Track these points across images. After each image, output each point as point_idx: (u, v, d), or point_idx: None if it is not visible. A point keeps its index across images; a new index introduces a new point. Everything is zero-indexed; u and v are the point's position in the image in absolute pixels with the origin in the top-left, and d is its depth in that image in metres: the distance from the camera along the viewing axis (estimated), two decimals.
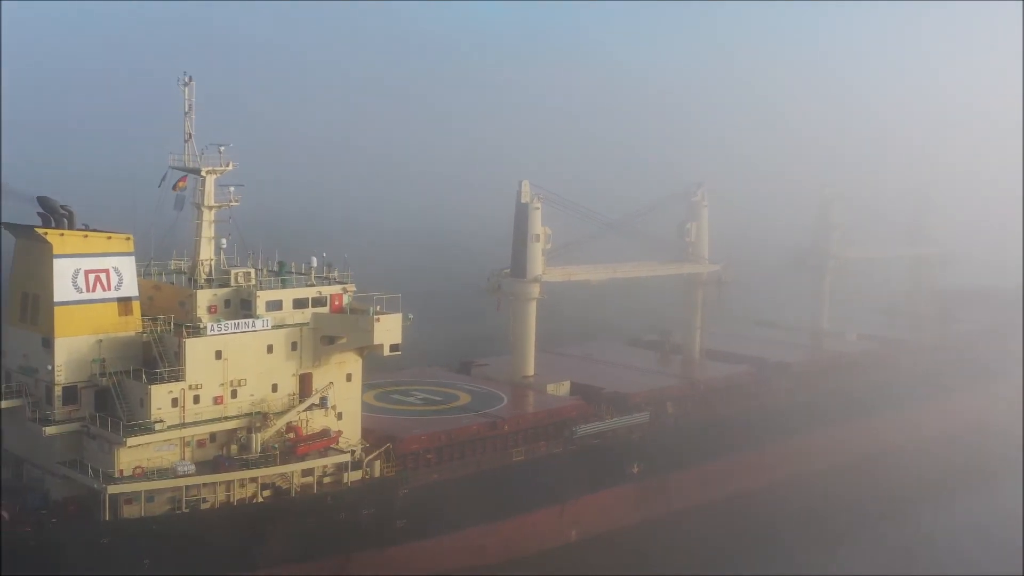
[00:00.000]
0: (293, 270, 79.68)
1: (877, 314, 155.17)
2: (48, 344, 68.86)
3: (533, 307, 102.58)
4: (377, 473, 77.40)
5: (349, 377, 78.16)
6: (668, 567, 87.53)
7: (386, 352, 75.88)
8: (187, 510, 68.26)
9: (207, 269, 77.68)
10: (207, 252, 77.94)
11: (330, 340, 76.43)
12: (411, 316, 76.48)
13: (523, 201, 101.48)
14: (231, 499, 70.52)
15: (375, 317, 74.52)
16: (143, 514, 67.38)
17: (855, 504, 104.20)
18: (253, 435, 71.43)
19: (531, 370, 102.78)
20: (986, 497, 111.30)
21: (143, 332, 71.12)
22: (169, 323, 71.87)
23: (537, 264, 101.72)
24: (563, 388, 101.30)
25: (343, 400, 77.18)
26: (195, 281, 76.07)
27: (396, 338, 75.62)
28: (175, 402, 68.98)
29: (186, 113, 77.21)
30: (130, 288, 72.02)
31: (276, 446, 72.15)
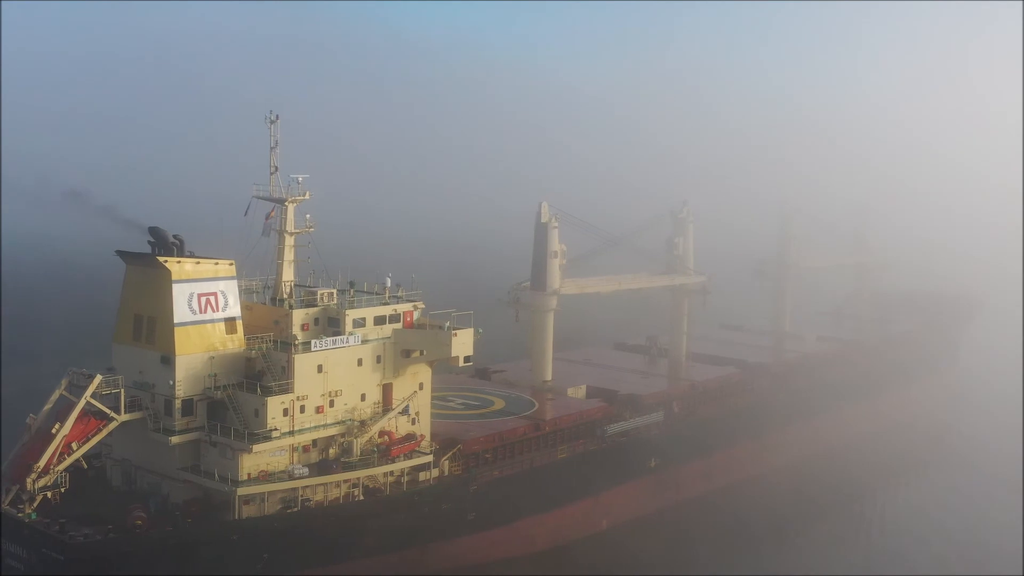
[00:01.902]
0: (364, 289, 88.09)
1: (824, 317, 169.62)
2: (168, 361, 75.80)
3: (551, 317, 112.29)
4: (446, 472, 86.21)
5: (421, 386, 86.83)
6: (683, 551, 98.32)
7: (460, 363, 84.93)
8: (297, 509, 76.03)
9: (288, 290, 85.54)
10: (288, 274, 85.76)
11: (407, 353, 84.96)
12: (480, 331, 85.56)
13: (542, 221, 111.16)
14: (327, 498, 78.51)
15: (453, 332, 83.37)
16: (258, 514, 74.96)
17: (841, 482, 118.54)
18: (354, 440, 79.62)
19: (549, 375, 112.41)
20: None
21: (251, 349, 78.59)
22: (269, 340, 79.51)
23: (555, 278, 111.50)
24: (580, 391, 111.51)
25: (418, 407, 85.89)
26: (285, 301, 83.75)
27: (469, 351, 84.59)
28: (286, 412, 76.71)
29: (272, 148, 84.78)
30: (234, 309, 79.40)
31: (375, 449, 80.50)
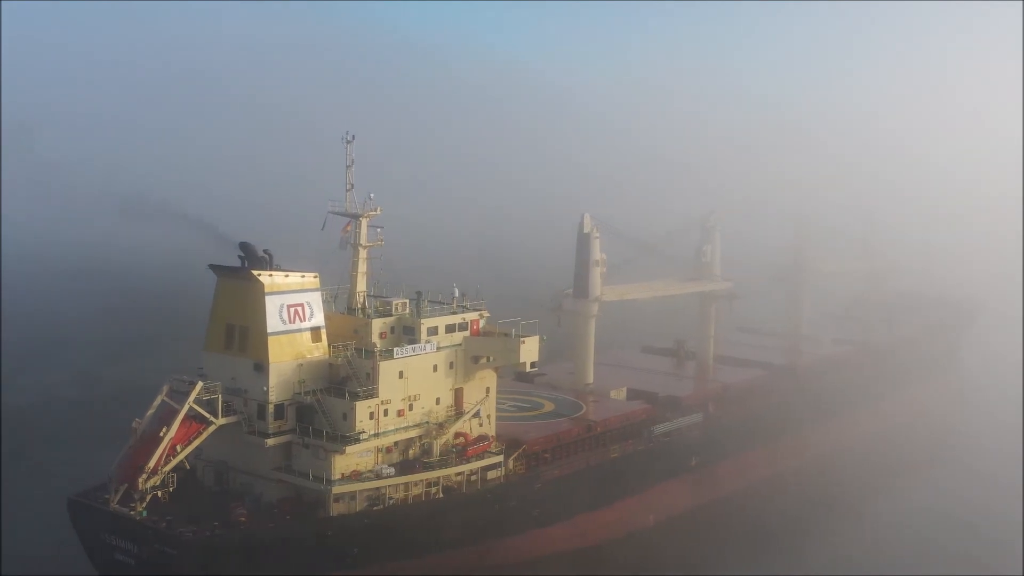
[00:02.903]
0: (428, 299, 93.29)
1: (832, 320, 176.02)
2: (261, 368, 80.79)
3: (593, 323, 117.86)
4: (510, 471, 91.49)
5: (488, 390, 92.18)
6: (723, 547, 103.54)
7: (527, 368, 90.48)
8: (382, 507, 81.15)
9: (361, 300, 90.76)
10: (361, 285, 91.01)
11: (476, 359, 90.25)
12: (545, 338, 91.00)
13: (585, 231, 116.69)
14: (408, 496, 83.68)
15: (521, 339, 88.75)
16: (347, 511, 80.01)
17: (873, 473, 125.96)
18: (433, 441, 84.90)
19: (591, 378, 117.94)
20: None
21: (336, 356, 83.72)
22: (351, 348, 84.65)
23: (597, 286, 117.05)
24: (622, 394, 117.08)
25: (488, 410, 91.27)
26: (359, 311, 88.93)
27: (535, 356, 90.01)
28: (371, 415, 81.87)
29: (348, 167, 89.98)
30: (319, 319, 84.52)
31: (453, 450, 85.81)
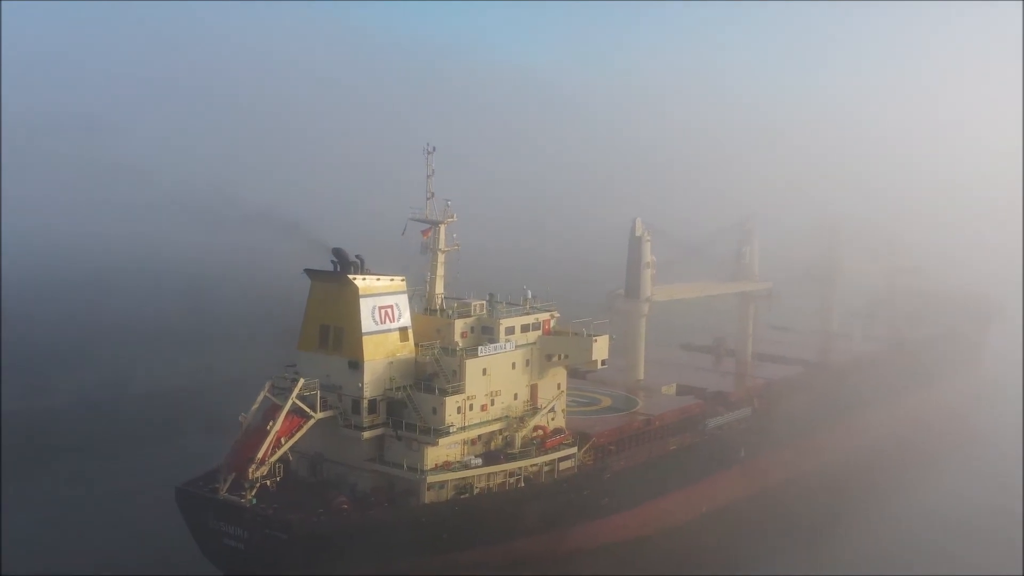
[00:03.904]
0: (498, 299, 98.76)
1: (857, 318, 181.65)
2: (356, 366, 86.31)
3: (643, 322, 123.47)
4: (580, 462, 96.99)
5: (559, 386, 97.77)
6: (765, 537, 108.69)
7: (598, 366, 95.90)
8: (468, 495, 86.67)
9: (439, 301, 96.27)
10: (439, 287, 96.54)
11: (549, 357, 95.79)
12: (615, 336, 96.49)
13: (636, 235, 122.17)
14: (491, 486, 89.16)
15: (593, 339, 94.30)
16: (436, 499, 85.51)
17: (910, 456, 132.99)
18: (516, 434, 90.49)
19: (642, 375, 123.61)
20: None
21: (424, 354, 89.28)
22: (437, 347, 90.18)
23: (648, 287, 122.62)
24: (672, 389, 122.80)
25: (559, 405, 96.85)
26: (439, 312, 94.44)
27: (605, 355, 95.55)
28: (459, 410, 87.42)
29: (429, 176, 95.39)
30: (406, 319, 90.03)
31: (533, 442, 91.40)
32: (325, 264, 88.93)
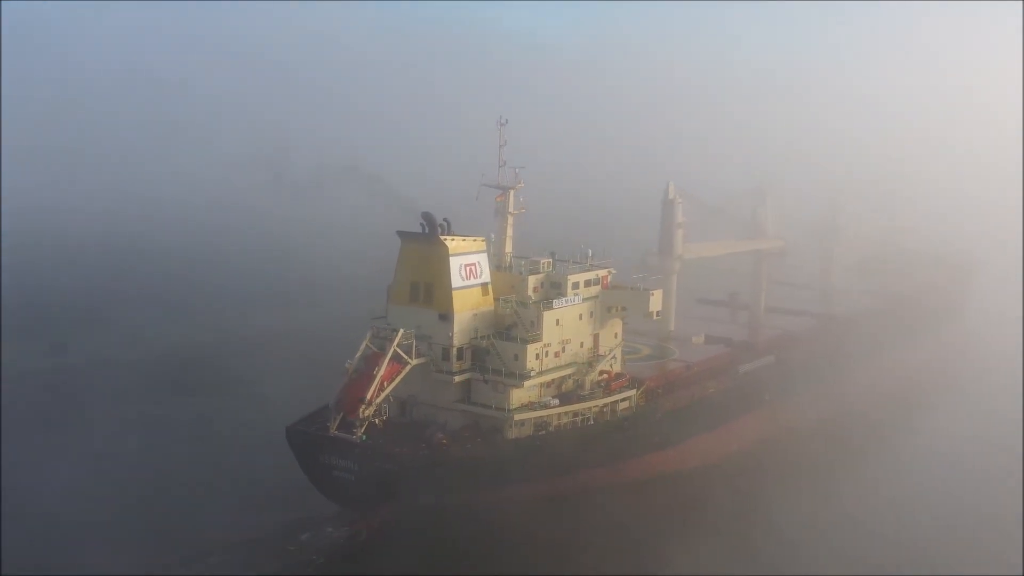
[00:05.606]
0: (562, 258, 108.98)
1: (850, 272, 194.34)
2: (446, 318, 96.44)
3: (675, 279, 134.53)
4: (635, 403, 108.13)
5: (616, 335, 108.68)
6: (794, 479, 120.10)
7: (654, 317, 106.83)
8: (544, 432, 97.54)
9: (508, 259, 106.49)
10: (509, 246, 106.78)
11: (609, 309, 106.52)
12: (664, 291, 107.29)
13: (669, 197, 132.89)
14: (562, 424, 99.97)
15: (650, 292, 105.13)
16: (518, 436, 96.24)
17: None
18: (585, 378, 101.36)
19: (672, 326, 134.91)
20: None
21: (504, 307, 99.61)
22: (514, 300, 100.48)
23: (679, 245, 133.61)
24: (701, 339, 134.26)
25: (619, 352, 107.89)
26: (511, 268, 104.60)
27: (660, 307, 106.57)
28: (537, 356, 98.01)
29: (501, 146, 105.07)
30: (487, 276, 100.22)
31: (600, 385, 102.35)
32: (405, 224, 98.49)
